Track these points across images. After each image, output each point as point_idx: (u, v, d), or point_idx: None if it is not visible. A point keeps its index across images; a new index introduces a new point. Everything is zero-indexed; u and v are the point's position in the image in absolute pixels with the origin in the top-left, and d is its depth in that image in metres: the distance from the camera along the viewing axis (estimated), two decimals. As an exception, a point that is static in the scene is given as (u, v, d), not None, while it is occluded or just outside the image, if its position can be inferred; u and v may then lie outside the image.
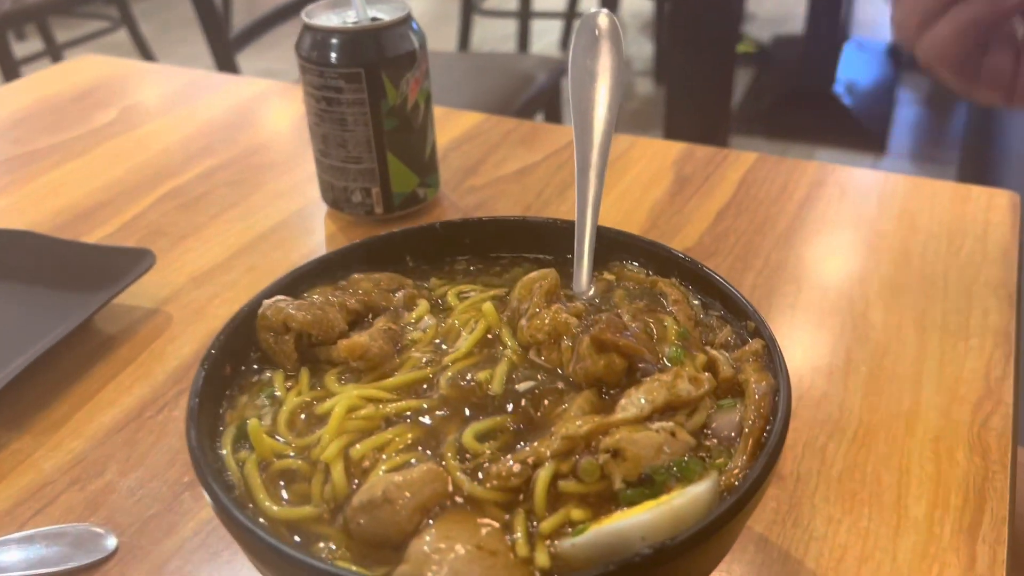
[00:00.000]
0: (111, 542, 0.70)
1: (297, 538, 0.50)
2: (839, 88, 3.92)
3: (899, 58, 4.19)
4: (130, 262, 0.95)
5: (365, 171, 1.04)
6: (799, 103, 3.90)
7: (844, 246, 1.02)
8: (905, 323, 0.89)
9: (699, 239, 1.03)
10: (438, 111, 1.30)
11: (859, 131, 3.76)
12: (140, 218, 1.14)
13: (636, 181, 1.16)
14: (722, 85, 3.22)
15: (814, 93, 3.90)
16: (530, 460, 0.51)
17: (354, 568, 0.47)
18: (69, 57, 1.62)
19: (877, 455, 0.75)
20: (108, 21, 4.16)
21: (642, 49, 4.79)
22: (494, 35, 4.69)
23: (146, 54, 3.81)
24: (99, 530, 0.70)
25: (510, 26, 4.44)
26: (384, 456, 0.53)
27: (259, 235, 1.09)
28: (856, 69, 4.15)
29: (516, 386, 0.57)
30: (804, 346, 0.87)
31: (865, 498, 0.71)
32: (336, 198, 1.08)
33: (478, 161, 1.23)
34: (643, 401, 0.54)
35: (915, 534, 0.68)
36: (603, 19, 0.76)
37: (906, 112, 4.02)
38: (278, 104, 1.46)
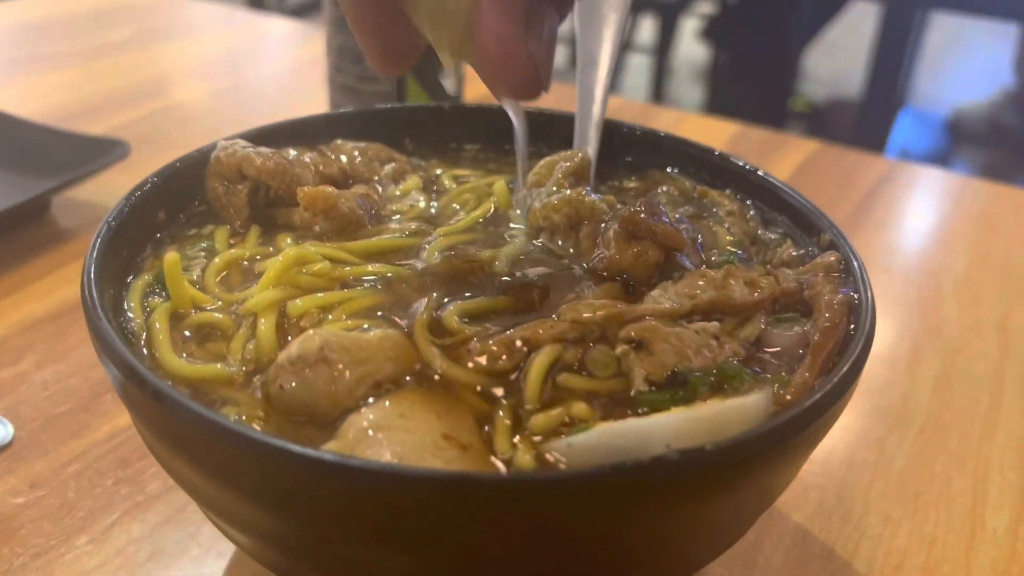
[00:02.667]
0: (4, 432, 0.57)
1: (184, 389, 0.37)
2: (891, 154, 3.79)
3: (956, 132, 4.07)
4: (100, 151, 0.83)
5: (380, 94, 0.92)
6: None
7: (914, 239, 0.89)
8: (984, 323, 0.76)
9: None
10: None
11: (908, 198, 3.62)
12: (131, 125, 1.03)
13: (682, 152, 1.04)
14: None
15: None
16: (528, 340, 0.38)
17: (255, 427, 0.34)
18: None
19: (948, 455, 0.61)
20: None
21: (693, 96, 4.71)
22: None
23: None
24: (-8, 417, 0.58)
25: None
26: (331, 317, 0.40)
27: (256, 155, 0.97)
28: (910, 138, 4.03)
29: (525, 270, 0.44)
30: (864, 331, 0.73)
31: (932, 500, 0.57)
32: (346, 124, 0.96)
33: (509, 116, 1.11)
34: (683, 295, 0.41)
35: (994, 548, 0.54)
36: None
37: (958, 186, 3.87)
38: (301, 44, 1.36)
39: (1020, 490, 0.58)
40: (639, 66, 4.48)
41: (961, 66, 4.96)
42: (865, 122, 3.89)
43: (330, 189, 0.46)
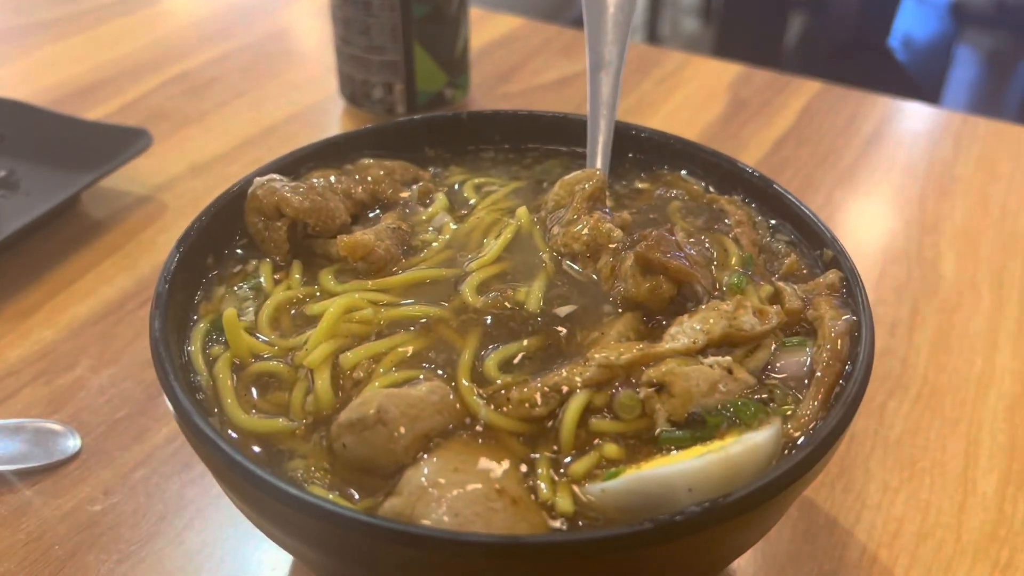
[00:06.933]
0: (74, 443, 0.62)
1: (257, 448, 0.41)
2: (894, 42, 3.73)
3: (961, 15, 3.98)
4: (124, 142, 0.86)
5: (388, 64, 0.93)
6: (851, 54, 3.72)
7: (914, 188, 0.92)
8: (980, 277, 0.79)
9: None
10: (473, 12, 1.19)
11: (912, 88, 3.58)
12: (143, 100, 1.04)
13: (687, 101, 1.05)
14: (775, 29, 3.06)
15: (868, 45, 3.71)
16: (561, 388, 0.42)
17: (330, 496, 0.39)
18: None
19: (943, 419, 0.66)
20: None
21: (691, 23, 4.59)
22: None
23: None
24: (60, 428, 0.62)
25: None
26: (382, 370, 0.44)
27: (268, 127, 1.00)
28: (914, 23, 3.95)
29: (555, 310, 0.48)
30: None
31: (927, 466, 0.62)
32: (355, 93, 0.98)
33: (514, 67, 1.13)
34: (698, 331, 0.45)
35: (983, 512, 0.59)
36: None
37: (963, 72, 3.83)
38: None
39: (1008, 452, 0.63)
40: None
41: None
42: (868, 8, 3.82)
43: (368, 237, 0.50)
